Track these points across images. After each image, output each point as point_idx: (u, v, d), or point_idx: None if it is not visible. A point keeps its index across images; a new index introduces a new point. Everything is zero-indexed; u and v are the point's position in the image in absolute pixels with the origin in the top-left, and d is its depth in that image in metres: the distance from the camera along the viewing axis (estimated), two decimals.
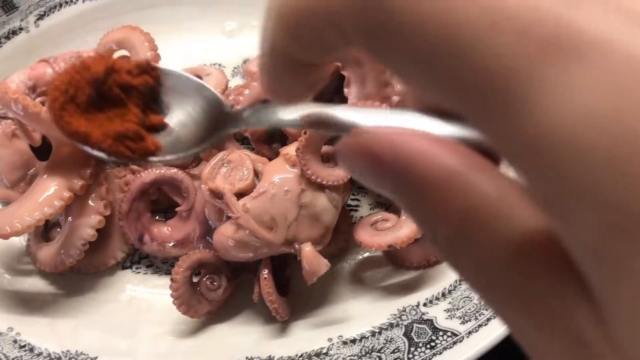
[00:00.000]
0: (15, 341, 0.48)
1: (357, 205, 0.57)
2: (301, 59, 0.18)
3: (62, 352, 0.48)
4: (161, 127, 0.27)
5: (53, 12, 0.63)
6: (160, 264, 0.55)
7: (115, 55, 0.56)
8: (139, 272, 0.54)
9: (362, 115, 0.20)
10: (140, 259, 0.55)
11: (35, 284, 0.53)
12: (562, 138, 0.12)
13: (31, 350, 0.48)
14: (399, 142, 0.16)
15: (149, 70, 0.27)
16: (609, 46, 0.12)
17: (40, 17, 0.63)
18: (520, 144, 0.13)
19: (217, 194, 0.48)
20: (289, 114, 0.22)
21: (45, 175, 0.50)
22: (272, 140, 0.56)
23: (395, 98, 0.55)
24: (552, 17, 0.13)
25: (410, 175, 0.16)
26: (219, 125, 0.25)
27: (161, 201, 0.55)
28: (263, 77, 0.20)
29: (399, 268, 0.52)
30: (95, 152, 0.26)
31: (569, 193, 0.13)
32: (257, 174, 0.49)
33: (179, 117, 0.27)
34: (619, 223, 0.12)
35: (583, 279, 0.14)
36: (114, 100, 0.26)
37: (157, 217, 0.55)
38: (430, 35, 0.14)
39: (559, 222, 0.14)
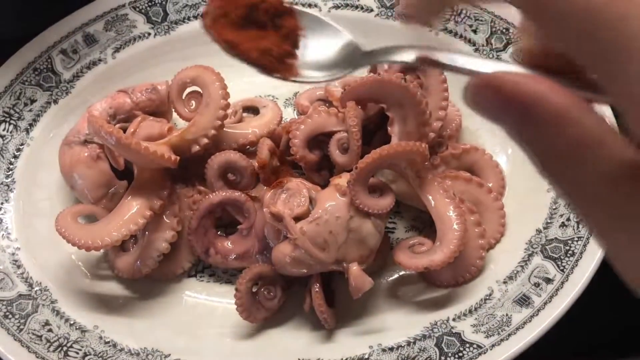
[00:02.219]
0: (100, 337, 0.56)
1: (393, 228, 0.64)
2: None
3: (140, 348, 0.56)
4: (294, 57, 0.34)
5: (128, 45, 0.71)
6: (221, 274, 0.62)
7: (188, 90, 0.64)
8: (202, 280, 0.62)
9: (472, 62, 0.26)
10: (204, 268, 0.63)
11: (113, 288, 0.61)
12: None
13: (114, 346, 0.56)
14: (523, 83, 0.21)
15: (291, 12, 0.34)
16: None
17: (117, 49, 0.71)
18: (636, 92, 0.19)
19: (277, 217, 0.55)
20: (407, 56, 0.29)
21: (129, 197, 0.57)
22: (321, 168, 0.64)
23: (432, 135, 0.63)
24: None
25: (532, 109, 0.21)
26: (354, 62, 0.33)
27: (222, 218, 0.63)
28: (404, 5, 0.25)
29: (430, 286, 0.60)
30: (242, 60, 0.33)
31: None
32: (311, 201, 0.57)
33: (317, 52, 0.34)
34: None
35: None
36: (259, 24, 0.34)
37: (218, 232, 0.62)
38: (580, 9, 0.19)
39: None
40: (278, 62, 0.34)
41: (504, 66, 0.25)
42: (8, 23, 0.74)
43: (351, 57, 0.33)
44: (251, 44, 0.34)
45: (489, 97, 0.22)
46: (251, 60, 0.34)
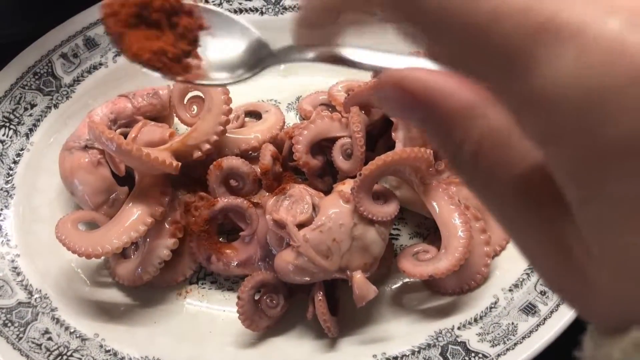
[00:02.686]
0: (101, 346, 0.55)
1: (397, 234, 0.64)
2: (333, 10, 0.23)
3: (142, 357, 0.55)
4: (195, 57, 0.31)
5: None
6: (222, 281, 0.62)
7: (189, 95, 0.63)
8: (204, 288, 0.61)
9: (376, 58, 0.25)
10: (205, 275, 0.62)
11: (113, 295, 0.61)
12: (553, 91, 0.17)
13: (115, 354, 0.55)
14: (429, 80, 0.20)
15: (190, 9, 0.32)
16: (581, 29, 0.17)
17: (118, 53, 0.70)
18: (525, 97, 0.17)
19: (280, 224, 0.55)
20: (312, 54, 0.28)
21: (130, 204, 0.57)
22: (324, 174, 0.63)
23: None
24: (543, 9, 0.17)
25: (437, 106, 0.20)
26: (262, 61, 0.31)
27: (224, 224, 0.62)
28: (296, 25, 0.25)
29: (435, 293, 0.59)
30: (139, 65, 0.31)
31: (558, 129, 0.17)
32: (314, 207, 0.56)
33: (222, 52, 0.32)
34: (588, 151, 0.16)
35: (567, 204, 0.18)
36: (154, 24, 0.32)
37: (220, 239, 0.62)
38: (458, 25, 0.18)
39: (550, 154, 0.18)
40: (175, 64, 0.31)
41: (414, 61, 0.24)
42: (8, 26, 0.73)
43: (260, 56, 0.31)
44: (142, 45, 0.31)
45: (395, 94, 0.21)
46: (144, 63, 0.31)
